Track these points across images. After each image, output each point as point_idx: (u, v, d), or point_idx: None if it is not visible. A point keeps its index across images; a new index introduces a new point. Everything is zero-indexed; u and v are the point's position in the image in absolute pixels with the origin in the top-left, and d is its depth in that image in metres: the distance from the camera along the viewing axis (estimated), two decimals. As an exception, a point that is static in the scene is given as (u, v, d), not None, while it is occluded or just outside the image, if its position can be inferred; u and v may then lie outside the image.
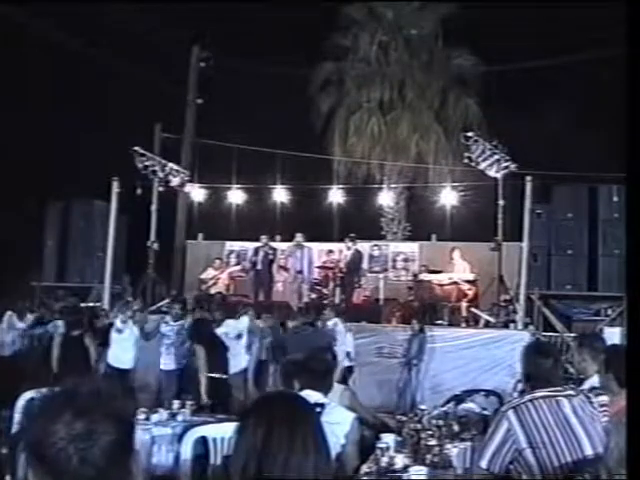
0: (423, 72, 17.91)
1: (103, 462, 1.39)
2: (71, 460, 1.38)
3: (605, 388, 3.77)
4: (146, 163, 13.28)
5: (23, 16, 16.40)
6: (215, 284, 13.92)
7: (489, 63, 17.04)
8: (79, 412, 1.40)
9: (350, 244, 13.73)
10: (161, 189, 13.85)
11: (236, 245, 15.99)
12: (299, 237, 14.18)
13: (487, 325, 12.01)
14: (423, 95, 17.82)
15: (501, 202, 12.16)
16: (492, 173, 12.25)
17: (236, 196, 16.46)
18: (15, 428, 5.20)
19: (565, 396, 3.37)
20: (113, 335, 9.33)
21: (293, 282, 14.06)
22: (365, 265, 14.54)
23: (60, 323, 9.54)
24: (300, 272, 13.93)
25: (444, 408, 5.39)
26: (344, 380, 8.73)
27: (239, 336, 9.73)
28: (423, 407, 5.13)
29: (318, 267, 14.18)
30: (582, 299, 13.89)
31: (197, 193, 16.44)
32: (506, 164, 12.01)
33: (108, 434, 1.40)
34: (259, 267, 13.83)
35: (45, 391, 1.51)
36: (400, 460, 3.97)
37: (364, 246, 14.64)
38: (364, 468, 3.87)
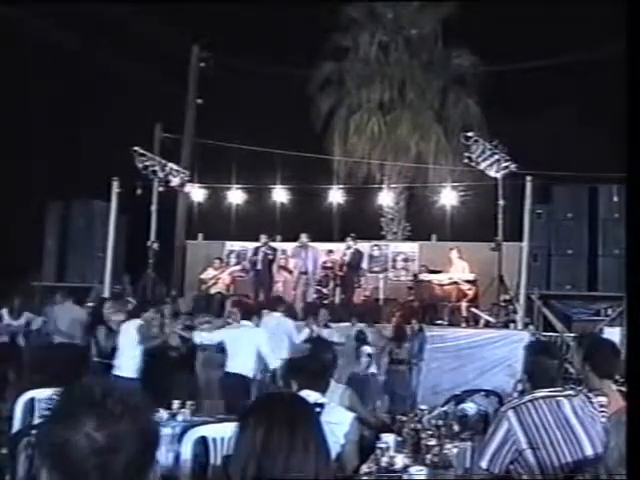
0: (423, 72, 17.91)
1: (123, 474, 1.36)
2: (90, 470, 1.34)
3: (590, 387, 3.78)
4: (146, 163, 13.27)
5: (23, 16, 16.39)
6: (215, 284, 13.91)
7: (489, 63, 17.04)
8: (103, 421, 1.36)
9: (351, 244, 13.73)
10: (161, 189, 13.84)
11: (236, 245, 15.99)
12: (304, 237, 14.15)
13: (487, 325, 12.01)
14: (423, 95, 17.82)
15: (501, 202, 12.15)
16: (492, 173, 12.24)
17: (236, 196, 16.46)
18: (15, 428, 5.19)
19: (565, 396, 3.37)
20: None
21: (297, 282, 14.01)
22: (365, 265, 14.54)
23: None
24: (305, 273, 13.90)
25: (444, 408, 5.39)
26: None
27: None
28: (423, 407, 5.12)
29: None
30: (582, 299, 13.89)
31: (197, 193, 16.43)
32: (506, 164, 12.01)
33: (131, 446, 1.36)
34: (259, 267, 13.82)
35: (64, 392, 1.45)
36: (400, 460, 3.97)
37: (364, 246, 14.64)
38: (364, 468, 3.87)
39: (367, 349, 9.82)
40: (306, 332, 9.89)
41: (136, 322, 8.33)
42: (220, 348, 8.85)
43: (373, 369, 9.88)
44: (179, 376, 9.26)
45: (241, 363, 8.11)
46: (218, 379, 8.64)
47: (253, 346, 8.15)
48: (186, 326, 9.74)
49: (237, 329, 8.52)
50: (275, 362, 8.19)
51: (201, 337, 8.89)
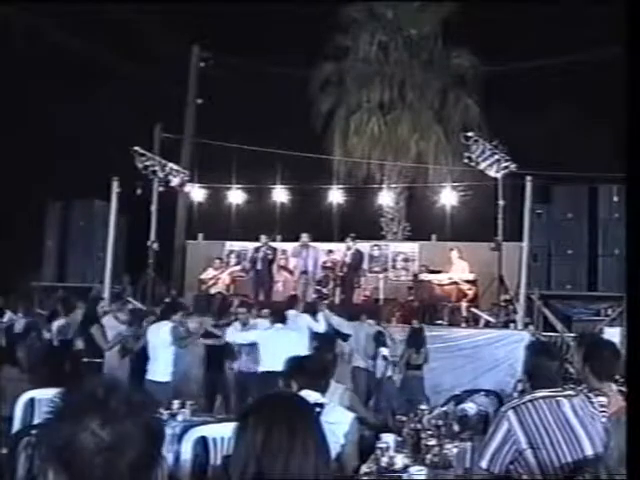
0: (423, 72, 17.92)
1: (129, 472, 1.36)
2: (97, 470, 1.34)
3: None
4: (146, 163, 13.28)
5: (24, 15, 16.40)
6: (215, 284, 13.91)
7: (489, 63, 17.04)
8: (108, 420, 1.36)
9: (351, 244, 13.72)
10: (161, 189, 13.85)
11: (236, 245, 15.99)
12: (305, 237, 14.15)
13: (487, 325, 12.01)
14: (423, 95, 17.83)
15: (501, 202, 12.16)
16: (492, 173, 12.25)
17: (236, 196, 16.47)
18: (15, 428, 5.19)
19: (565, 396, 3.37)
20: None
21: (297, 282, 14.01)
22: (365, 265, 14.53)
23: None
24: (305, 272, 13.91)
25: (444, 408, 5.39)
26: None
27: None
28: (423, 407, 5.12)
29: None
30: (582, 299, 13.88)
31: (197, 193, 16.44)
32: (506, 164, 12.01)
33: (136, 444, 1.37)
34: (259, 267, 13.82)
35: (68, 392, 1.45)
36: (400, 460, 3.97)
37: (364, 246, 14.64)
38: (364, 468, 3.88)
39: (383, 351, 9.79)
40: (321, 316, 9.99)
41: (166, 324, 8.30)
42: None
43: (389, 372, 9.85)
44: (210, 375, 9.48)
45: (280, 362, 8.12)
46: (255, 378, 8.68)
47: (290, 346, 8.20)
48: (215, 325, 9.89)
49: (271, 330, 8.64)
50: None
51: (234, 336, 9.01)
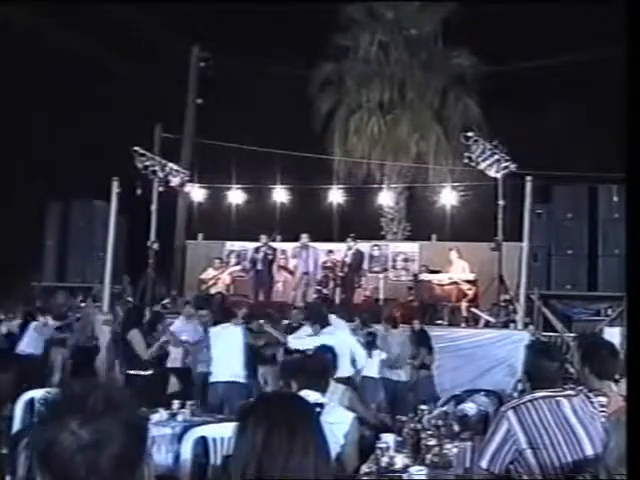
0: (423, 72, 17.91)
1: (112, 470, 1.36)
2: (79, 469, 1.35)
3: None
4: (146, 163, 13.27)
5: (24, 15, 16.40)
6: (215, 284, 13.91)
7: (489, 63, 17.03)
8: (88, 419, 1.37)
9: (351, 244, 13.73)
10: (161, 189, 13.84)
11: (236, 245, 15.99)
12: (305, 238, 14.15)
13: (487, 325, 12.01)
14: (423, 95, 17.82)
15: (501, 202, 12.15)
16: (492, 173, 12.24)
17: (236, 196, 16.48)
18: (16, 428, 5.19)
19: (565, 396, 3.37)
20: None
21: (298, 283, 13.99)
22: (365, 265, 14.53)
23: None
24: (306, 273, 13.90)
25: (444, 408, 5.39)
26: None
27: None
28: (423, 407, 5.12)
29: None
30: (582, 299, 13.89)
31: (197, 193, 16.44)
32: (506, 164, 12.00)
33: (117, 442, 1.37)
34: (259, 267, 13.83)
35: (52, 394, 1.47)
36: (400, 460, 3.98)
37: (364, 246, 14.64)
38: (364, 468, 3.88)
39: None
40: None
41: (234, 327, 8.17)
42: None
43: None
44: None
45: (342, 367, 7.97)
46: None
47: (347, 349, 8.00)
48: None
49: (327, 335, 8.23)
50: (364, 361, 8.30)
51: (294, 344, 8.73)
